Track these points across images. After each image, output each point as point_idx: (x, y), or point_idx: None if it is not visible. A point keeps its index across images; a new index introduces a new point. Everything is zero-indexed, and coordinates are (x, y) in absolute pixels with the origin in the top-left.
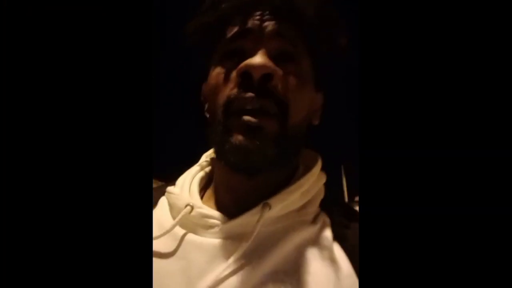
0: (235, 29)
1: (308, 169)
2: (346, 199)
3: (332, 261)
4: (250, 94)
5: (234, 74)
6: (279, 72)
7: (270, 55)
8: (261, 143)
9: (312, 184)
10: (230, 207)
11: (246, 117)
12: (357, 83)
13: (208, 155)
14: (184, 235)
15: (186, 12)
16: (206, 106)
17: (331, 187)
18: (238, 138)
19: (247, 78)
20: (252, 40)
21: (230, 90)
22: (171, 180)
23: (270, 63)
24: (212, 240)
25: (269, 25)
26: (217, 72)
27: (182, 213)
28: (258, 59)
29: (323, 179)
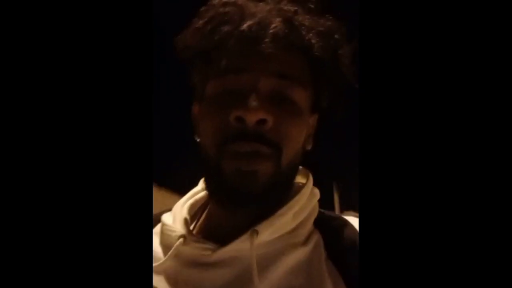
0: (232, 61)
1: (299, 188)
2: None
3: (322, 283)
4: (244, 138)
5: (228, 114)
6: (273, 116)
7: (266, 95)
8: (254, 187)
9: (304, 203)
10: (222, 235)
11: (241, 163)
12: (353, 97)
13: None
14: (175, 270)
15: (187, 14)
16: (195, 129)
17: (323, 202)
18: (231, 181)
19: (241, 122)
20: (249, 78)
21: (223, 130)
22: (170, 185)
23: (264, 108)
24: (202, 273)
25: (268, 58)
26: (210, 104)
27: (176, 245)
28: (253, 104)
29: (316, 196)
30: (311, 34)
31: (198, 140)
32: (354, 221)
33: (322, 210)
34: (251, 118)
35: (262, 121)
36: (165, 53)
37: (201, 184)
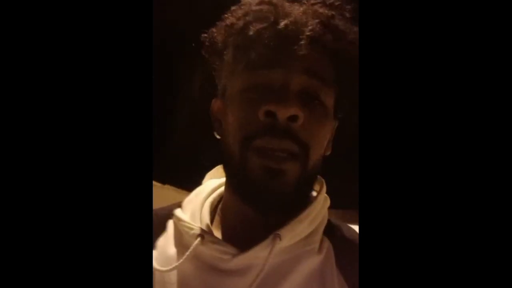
0: (264, 57)
1: (315, 195)
2: None
3: None
4: (273, 134)
5: (257, 109)
6: (304, 114)
7: (296, 93)
8: (282, 186)
9: (318, 210)
10: (239, 237)
11: (269, 160)
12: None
13: (212, 174)
14: (191, 273)
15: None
16: (216, 125)
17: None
18: (258, 178)
19: (272, 117)
20: (280, 74)
21: (250, 125)
22: (170, 182)
23: (296, 104)
24: (220, 279)
25: (301, 57)
26: (237, 99)
27: (194, 245)
28: (285, 99)
29: (327, 204)
30: (343, 41)
31: (219, 137)
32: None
33: (331, 219)
34: (283, 113)
35: (293, 117)
36: (164, 52)
37: (208, 177)
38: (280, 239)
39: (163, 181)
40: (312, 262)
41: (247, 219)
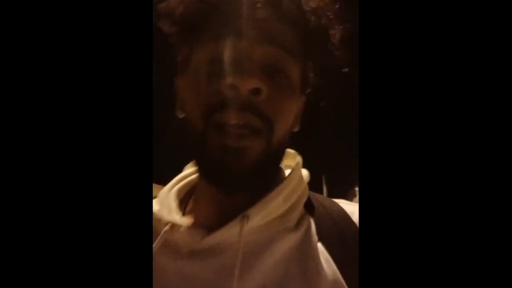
0: (225, 27)
1: (289, 170)
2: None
3: (317, 267)
4: (234, 108)
5: (218, 82)
6: (267, 87)
7: (260, 65)
8: (243, 164)
9: (294, 186)
10: (211, 221)
11: (228, 137)
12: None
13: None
14: (163, 260)
15: None
16: (179, 104)
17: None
18: (218, 159)
19: (233, 90)
20: (243, 44)
21: (211, 99)
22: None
23: (259, 77)
24: (192, 262)
25: (264, 28)
26: (197, 73)
27: (162, 233)
28: (247, 71)
29: (306, 179)
30: (305, 9)
31: (181, 116)
32: (343, 204)
33: (312, 193)
34: (245, 86)
35: (256, 90)
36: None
37: (187, 169)
38: (248, 219)
39: (164, 183)
40: (288, 240)
41: (217, 201)
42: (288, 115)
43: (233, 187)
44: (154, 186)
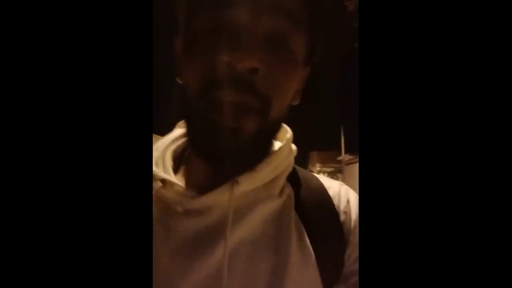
0: None
1: (279, 142)
2: (344, 156)
3: (288, 231)
4: (230, 86)
5: (217, 56)
6: (266, 65)
7: (262, 37)
8: (237, 143)
9: (282, 159)
10: (202, 183)
11: (225, 116)
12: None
13: (183, 123)
14: (154, 216)
15: None
16: (180, 69)
17: (331, 143)
18: (213, 135)
19: (230, 67)
20: (245, 15)
21: (209, 73)
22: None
23: (258, 55)
24: (180, 220)
25: None
26: (198, 43)
27: (155, 189)
28: (246, 49)
29: (294, 153)
30: None
31: (180, 82)
32: (323, 179)
33: (296, 167)
34: (242, 64)
35: (253, 70)
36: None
37: (180, 129)
38: (238, 183)
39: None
40: (270, 206)
41: (208, 168)
42: (288, 91)
43: (224, 162)
44: (154, 136)
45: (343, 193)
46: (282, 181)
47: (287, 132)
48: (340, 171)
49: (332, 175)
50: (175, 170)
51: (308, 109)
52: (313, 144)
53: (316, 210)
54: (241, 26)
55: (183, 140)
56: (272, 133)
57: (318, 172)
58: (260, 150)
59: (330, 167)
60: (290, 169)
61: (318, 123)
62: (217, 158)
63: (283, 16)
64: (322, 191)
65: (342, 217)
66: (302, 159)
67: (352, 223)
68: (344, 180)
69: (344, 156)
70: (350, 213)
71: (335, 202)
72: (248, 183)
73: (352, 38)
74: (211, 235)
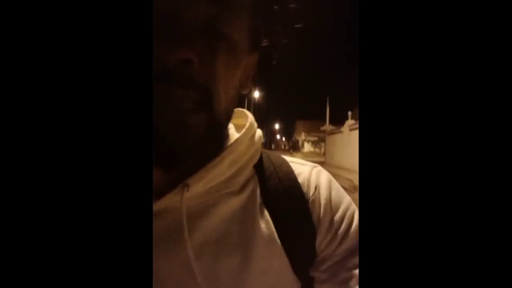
0: None
1: (238, 131)
2: (327, 127)
3: (254, 227)
4: (166, 80)
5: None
6: (201, 54)
7: (196, 26)
8: (187, 141)
9: (242, 151)
10: (160, 187)
11: (168, 111)
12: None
13: None
14: None
15: None
16: None
17: (318, 114)
18: (160, 134)
19: (161, 62)
20: (176, 3)
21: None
22: None
23: (189, 45)
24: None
25: None
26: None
27: None
28: (178, 40)
29: (258, 142)
30: None
31: None
32: (294, 164)
33: (267, 152)
34: (172, 58)
35: (186, 61)
36: None
37: None
38: (188, 188)
39: None
40: (231, 203)
41: (160, 171)
42: (231, 81)
43: (174, 163)
44: None
45: (313, 179)
46: (244, 175)
47: (247, 119)
48: (323, 140)
49: (316, 144)
50: None
51: (297, 81)
52: (300, 114)
53: (284, 200)
54: (173, 16)
55: None
56: (223, 125)
57: (303, 141)
58: (213, 146)
59: (314, 136)
60: (254, 161)
61: (305, 94)
62: (168, 159)
63: (218, 2)
64: (291, 179)
65: (311, 205)
66: (289, 128)
67: (322, 211)
68: (326, 148)
69: (327, 127)
70: (319, 201)
71: (304, 189)
72: (200, 184)
73: (294, 20)
74: (172, 238)
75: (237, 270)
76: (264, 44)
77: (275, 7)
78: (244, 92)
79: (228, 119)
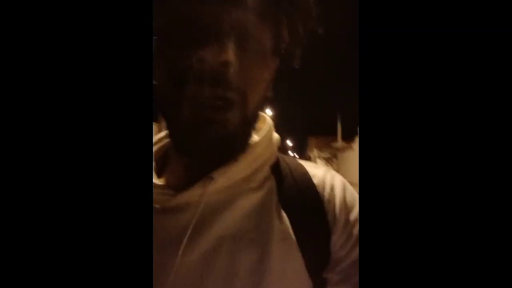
0: None
1: (258, 133)
2: (339, 143)
3: (270, 223)
4: (205, 81)
5: (187, 51)
6: (238, 58)
7: (230, 32)
8: (219, 137)
9: (261, 151)
10: (181, 181)
11: (203, 109)
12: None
13: None
14: None
15: None
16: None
17: (328, 129)
18: (194, 130)
19: (202, 63)
20: (212, 11)
21: (181, 68)
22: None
23: (228, 48)
24: (163, 218)
25: None
26: (166, 40)
27: None
28: (215, 43)
29: (275, 144)
30: None
31: (155, 82)
32: (308, 167)
33: (283, 156)
34: (214, 60)
35: (225, 63)
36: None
37: (162, 132)
38: (213, 179)
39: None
40: (250, 199)
41: (188, 166)
42: (261, 82)
43: (205, 157)
44: None
45: (328, 180)
46: (262, 173)
47: (265, 122)
48: (335, 156)
49: (328, 160)
50: (161, 171)
51: (309, 97)
52: (312, 130)
53: (300, 200)
54: (207, 23)
55: (167, 140)
56: (251, 125)
57: (316, 158)
58: (239, 144)
59: (326, 152)
60: (271, 160)
61: (317, 110)
62: (195, 154)
63: (248, 9)
64: (306, 180)
65: (326, 205)
66: (301, 144)
67: (337, 210)
68: (338, 165)
69: (338, 143)
70: (334, 200)
71: (319, 190)
72: (224, 178)
73: (315, 26)
74: (191, 232)
75: (252, 268)
76: (285, 50)
77: (298, 9)
78: (268, 95)
79: (255, 119)
